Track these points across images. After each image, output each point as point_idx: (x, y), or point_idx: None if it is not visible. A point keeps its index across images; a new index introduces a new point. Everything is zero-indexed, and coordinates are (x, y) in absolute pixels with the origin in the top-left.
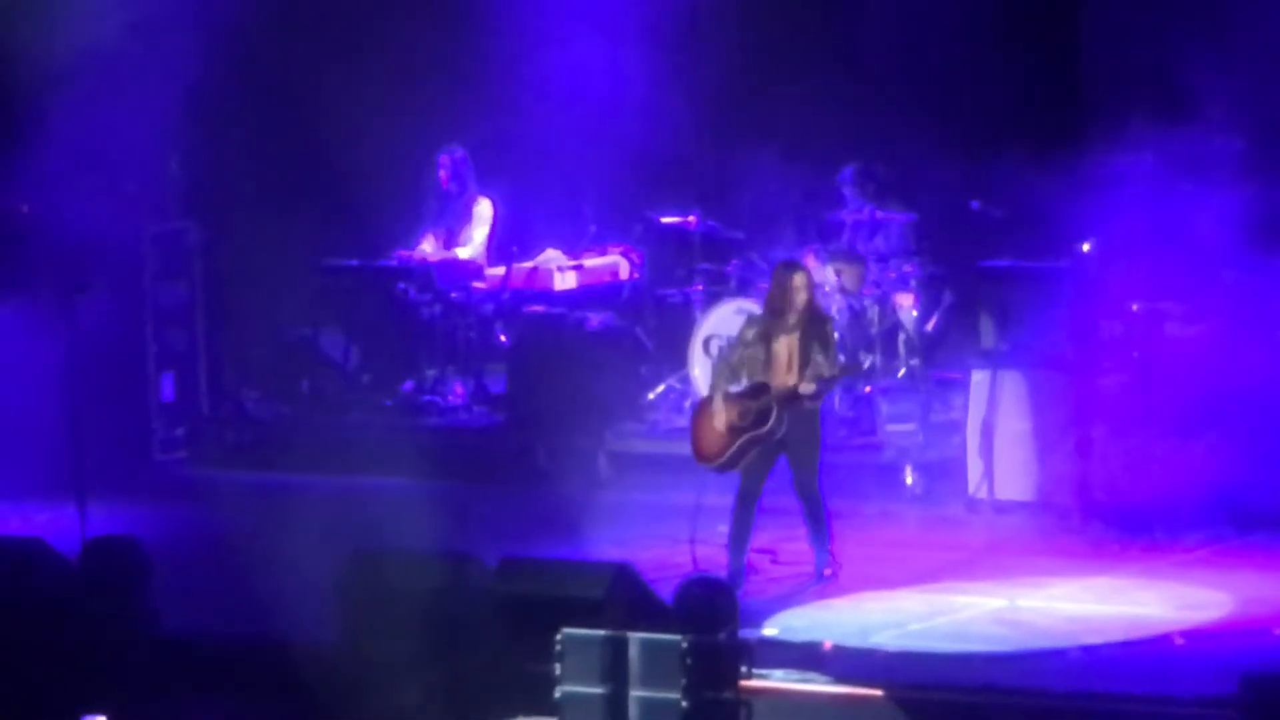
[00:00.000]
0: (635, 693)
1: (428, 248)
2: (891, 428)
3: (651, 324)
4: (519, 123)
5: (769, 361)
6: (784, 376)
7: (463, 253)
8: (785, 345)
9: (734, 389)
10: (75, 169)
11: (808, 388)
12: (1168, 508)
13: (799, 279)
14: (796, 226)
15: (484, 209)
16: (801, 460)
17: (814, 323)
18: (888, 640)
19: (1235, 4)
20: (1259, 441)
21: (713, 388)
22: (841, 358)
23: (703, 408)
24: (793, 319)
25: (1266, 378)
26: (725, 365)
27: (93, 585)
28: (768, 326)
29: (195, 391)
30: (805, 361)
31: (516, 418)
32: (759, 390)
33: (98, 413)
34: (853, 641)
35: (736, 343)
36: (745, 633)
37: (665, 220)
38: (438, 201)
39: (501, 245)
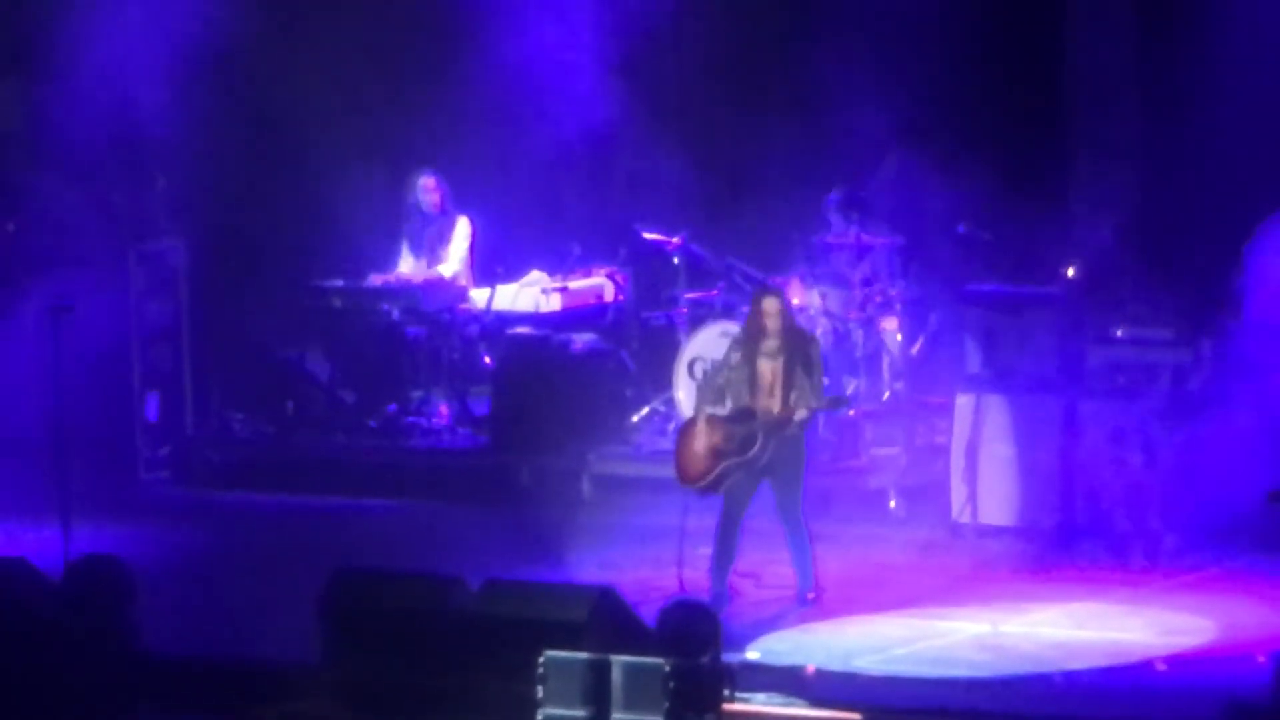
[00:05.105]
0: (617, 716)
1: (405, 268)
2: (876, 451)
3: (636, 346)
4: (504, 144)
5: (753, 384)
6: (767, 400)
7: (443, 270)
8: (769, 368)
9: (719, 412)
10: (61, 186)
11: (801, 415)
12: (1151, 533)
13: (769, 304)
14: (783, 250)
15: (463, 227)
16: (785, 485)
17: (797, 345)
18: (870, 664)
19: (1222, 25)
20: (1242, 467)
21: (697, 410)
22: (826, 380)
23: (686, 429)
24: (774, 342)
25: (1249, 404)
26: (709, 387)
27: (76, 604)
28: (751, 349)
29: (180, 411)
30: (789, 384)
31: (500, 439)
32: (744, 415)
33: (83, 432)
34: (835, 665)
35: (722, 365)
36: (728, 656)
37: (649, 235)
38: (417, 223)
39: (486, 266)
